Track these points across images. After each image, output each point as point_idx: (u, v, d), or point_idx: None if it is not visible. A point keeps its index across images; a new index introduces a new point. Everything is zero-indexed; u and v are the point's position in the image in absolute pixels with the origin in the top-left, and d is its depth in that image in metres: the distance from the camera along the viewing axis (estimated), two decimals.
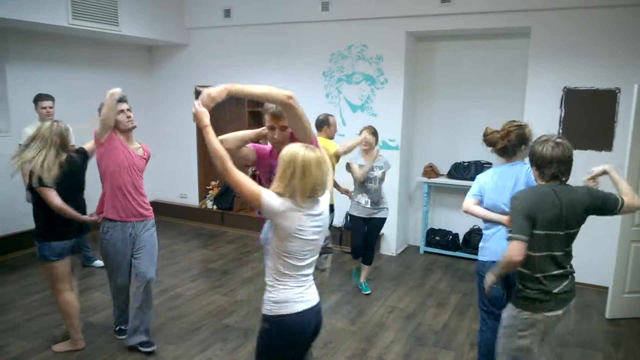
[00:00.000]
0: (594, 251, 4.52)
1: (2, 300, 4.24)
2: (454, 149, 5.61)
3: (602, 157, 4.49)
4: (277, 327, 2.07)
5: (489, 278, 2.37)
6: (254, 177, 2.37)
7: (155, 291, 4.41)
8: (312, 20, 5.69)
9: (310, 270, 2.14)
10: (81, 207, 3.27)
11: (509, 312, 2.37)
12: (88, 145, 3.36)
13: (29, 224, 4.84)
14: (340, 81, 5.71)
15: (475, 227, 5.50)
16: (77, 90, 5.68)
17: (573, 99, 4.60)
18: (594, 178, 2.44)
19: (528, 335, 2.31)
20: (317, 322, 2.16)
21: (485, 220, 2.87)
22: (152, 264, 3.34)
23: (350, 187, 4.50)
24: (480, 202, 2.87)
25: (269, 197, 1.97)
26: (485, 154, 5.36)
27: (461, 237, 5.66)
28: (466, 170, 5.39)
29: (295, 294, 2.06)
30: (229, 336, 3.66)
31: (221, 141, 2.18)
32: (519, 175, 2.78)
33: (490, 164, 5.39)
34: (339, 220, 5.32)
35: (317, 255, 2.16)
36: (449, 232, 5.71)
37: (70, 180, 3.19)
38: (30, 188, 3.12)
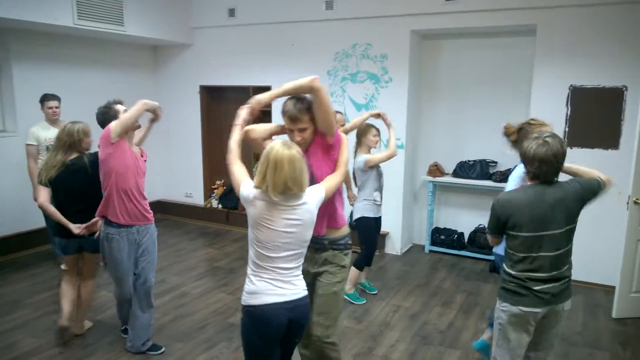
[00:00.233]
0: (601, 250, 4.49)
1: (13, 297, 4.27)
2: (459, 147, 5.59)
3: (608, 156, 4.47)
4: (248, 317, 2.16)
5: None
6: None
7: (161, 290, 4.46)
8: (316, 19, 5.68)
9: (292, 265, 2.15)
10: (89, 209, 3.24)
11: (495, 304, 2.42)
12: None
13: (39, 222, 4.93)
14: (345, 80, 5.70)
15: (480, 226, 5.48)
16: (82, 90, 5.71)
17: (579, 97, 4.57)
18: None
19: (507, 325, 2.31)
20: (293, 318, 2.14)
21: None
22: (153, 270, 3.35)
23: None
24: None
25: (245, 186, 2.17)
26: (490, 152, 5.36)
27: (466, 236, 5.64)
28: (471, 169, 5.36)
29: (267, 286, 2.11)
30: (234, 335, 3.66)
31: (248, 130, 2.40)
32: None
33: (496, 162, 5.37)
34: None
35: (301, 250, 2.17)
36: (454, 231, 5.70)
37: (73, 180, 3.23)
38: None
